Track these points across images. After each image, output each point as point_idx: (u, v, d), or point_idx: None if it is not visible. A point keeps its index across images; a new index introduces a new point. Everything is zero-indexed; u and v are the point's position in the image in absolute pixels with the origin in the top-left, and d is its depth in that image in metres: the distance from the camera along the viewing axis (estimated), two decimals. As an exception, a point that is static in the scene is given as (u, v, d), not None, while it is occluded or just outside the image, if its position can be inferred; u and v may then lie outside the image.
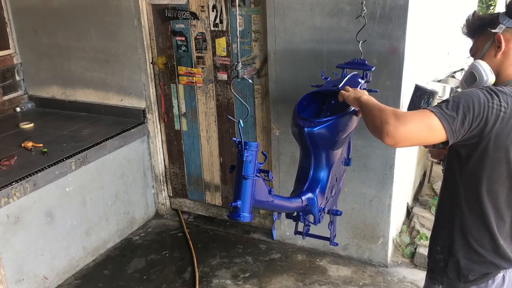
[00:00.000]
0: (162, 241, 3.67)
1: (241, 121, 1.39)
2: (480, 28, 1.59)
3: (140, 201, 3.82)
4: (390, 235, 3.18)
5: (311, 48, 2.95)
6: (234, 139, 1.42)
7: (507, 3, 1.55)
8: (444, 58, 4.44)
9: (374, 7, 2.69)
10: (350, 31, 2.79)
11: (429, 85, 2.12)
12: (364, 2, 2.33)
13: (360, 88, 2.07)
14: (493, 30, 1.52)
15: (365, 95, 1.71)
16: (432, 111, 1.39)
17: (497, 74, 1.54)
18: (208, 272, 3.26)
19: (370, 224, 3.17)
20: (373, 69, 2.22)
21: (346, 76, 2.10)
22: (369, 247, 3.24)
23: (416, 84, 1.97)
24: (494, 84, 1.52)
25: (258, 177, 1.47)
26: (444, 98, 3.59)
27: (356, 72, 2.22)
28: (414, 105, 1.94)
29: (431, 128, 1.38)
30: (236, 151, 1.42)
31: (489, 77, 1.51)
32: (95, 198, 3.37)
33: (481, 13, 1.65)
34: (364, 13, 2.32)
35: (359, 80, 2.14)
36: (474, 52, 1.63)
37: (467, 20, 1.64)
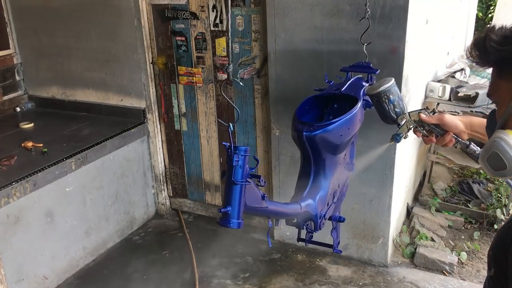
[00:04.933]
0: (162, 241, 3.67)
1: (231, 125, 1.38)
2: (503, 64, 1.02)
3: (140, 201, 3.82)
4: (390, 235, 3.18)
5: (311, 48, 2.95)
6: (225, 143, 1.41)
7: None
8: (444, 58, 4.44)
9: (374, 7, 2.69)
10: (350, 31, 2.79)
11: (376, 85, 1.77)
12: (368, 3, 2.30)
13: (363, 91, 2.01)
14: None
15: None
16: None
17: None
18: (208, 272, 3.26)
19: (370, 224, 3.17)
20: (378, 72, 2.18)
21: (350, 79, 2.06)
22: (369, 247, 3.24)
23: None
24: None
25: (249, 182, 1.45)
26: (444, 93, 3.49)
27: (360, 76, 2.16)
28: (381, 113, 1.75)
29: None
30: (226, 155, 1.41)
31: None
32: (95, 198, 3.37)
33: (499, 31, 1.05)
34: (368, 14, 2.29)
35: (363, 83, 2.09)
36: (495, 101, 1.10)
37: (478, 44, 1.07)
